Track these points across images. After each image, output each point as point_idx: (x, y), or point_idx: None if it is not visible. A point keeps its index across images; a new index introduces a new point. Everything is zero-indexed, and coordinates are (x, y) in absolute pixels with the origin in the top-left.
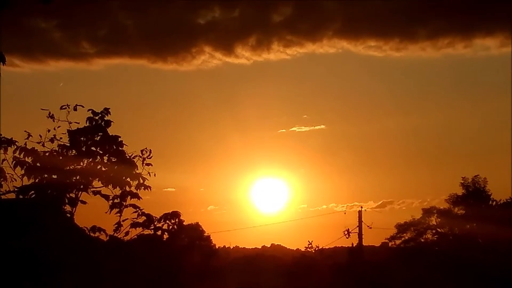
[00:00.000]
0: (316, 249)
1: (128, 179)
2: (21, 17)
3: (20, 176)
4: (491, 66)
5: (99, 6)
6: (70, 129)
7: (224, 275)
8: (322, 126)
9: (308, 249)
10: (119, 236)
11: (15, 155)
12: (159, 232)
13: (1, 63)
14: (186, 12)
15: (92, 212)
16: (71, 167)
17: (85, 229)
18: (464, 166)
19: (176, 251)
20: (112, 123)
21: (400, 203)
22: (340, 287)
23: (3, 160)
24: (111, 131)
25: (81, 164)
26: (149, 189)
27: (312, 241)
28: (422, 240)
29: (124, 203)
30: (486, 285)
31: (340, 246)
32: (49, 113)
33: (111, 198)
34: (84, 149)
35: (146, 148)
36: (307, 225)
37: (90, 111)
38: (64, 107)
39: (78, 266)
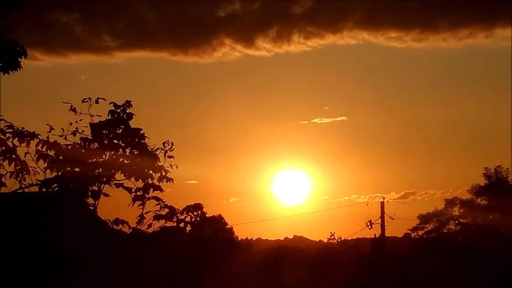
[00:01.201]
0: (339, 240)
1: (151, 172)
2: (42, 11)
3: (43, 169)
4: None
5: None
6: (92, 122)
7: (247, 267)
8: (344, 118)
9: (331, 240)
10: (142, 229)
11: (37, 148)
12: (181, 224)
13: (23, 56)
14: (207, 4)
15: (115, 205)
16: (93, 160)
17: (108, 221)
18: (486, 156)
19: (199, 243)
20: (134, 115)
21: (423, 194)
22: (363, 279)
23: (26, 153)
24: (133, 123)
25: (104, 157)
26: (171, 182)
27: (334, 233)
28: (445, 231)
29: (147, 195)
30: (509, 276)
31: (362, 237)
32: (71, 106)
33: (133, 190)
34: (106, 142)
35: (168, 141)
36: (329, 216)
37: (112, 104)
38: (86, 100)
39: (101, 259)
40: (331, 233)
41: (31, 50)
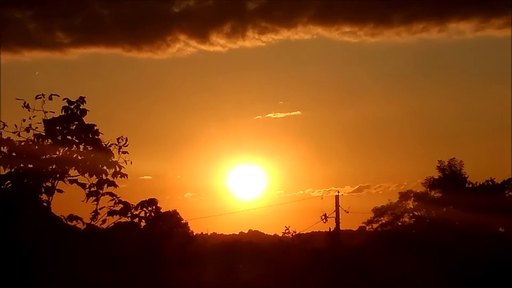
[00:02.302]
0: (294, 234)
1: (105, 167)
2: None
3: None
4: (466, 50)
5: None
6: (45, 118)
7: (202, 261)
8: (298, 112)
9: (286, 234)
10: (96, 224)
11: None
12: (136, 220)
13: None
14: (161, 0)
15: (69, 201)
16: (47, 156)
17: (62, 217)
18: (440, 149)
19: (154, 239)
20: (87, 111)
21: (377, 187)
22: (318, 272)
23: None
24: (86, 119)
25: (57, 153)
26: (125, 177)
27: (289, 227)
28: (399, 224)
29: (101, 191)
30: (463, 268)
31: (317, 231)
32: (24, 102)
33: (87, 186)
34: (60, 138)
35: (122, 136)
36: (284, 210)
37: (66, 100)
38: (39, 96)
39: (55, 255)
40: (285, 227)
41: None
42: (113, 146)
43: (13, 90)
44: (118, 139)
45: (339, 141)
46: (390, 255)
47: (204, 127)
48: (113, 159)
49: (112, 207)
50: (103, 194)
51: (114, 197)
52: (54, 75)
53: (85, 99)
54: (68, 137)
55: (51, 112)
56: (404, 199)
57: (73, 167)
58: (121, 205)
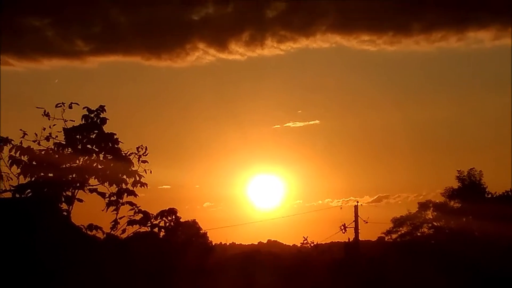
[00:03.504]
0: (312, 244)
1: (124, 177)
2: (14, 16)
3: (16, 175)
4: (485, 59)
5: (92, 3)
6: (65, 127)
7: (221, 271)
8: (317, 121)
9: (304, 245)
10: (116, 234)
11: (11, 153)
12: (156, 229)
13: None
14: (180, 8)
15: (89, 210)
16: (67, 165)
17: (82, 227)
18: (459, 159)
19: (173, 248)
20: (107, 120)
21: (396, 197)
22: (337, 282)
23: None
24: (106, 128)
25: (77, 162)
26: (145, 186)
27: (307, 237)
28: (418, 234)
29: (121, 200)
30: (482, 279)
31: (336, 241)
32: (45, 111)
33: (107, 195)
34: (80, 147)
35: (141, 145)
36: (303, 220)
37: (86, 109)
38: (59, 105)
39: (75, 265)
40: (304, 237)
41: (3, 55)
42: (132, 155)
43: (33, 99)
44: (137, 148)
45: (358, 150)
46: (409, 265)
47: (222, 136)
48: (133, 168)
49: (132, 217)
50: (123, 204)
51: (134, 207)
52: (73, 83)
53: (105, 107)
54: (88, 146)
55: (71, 120)
56: (423, 209)
57: (93, 176)
58: (141, 215)
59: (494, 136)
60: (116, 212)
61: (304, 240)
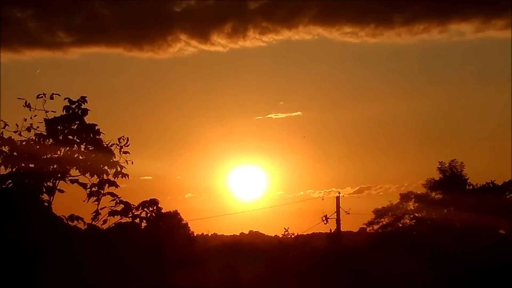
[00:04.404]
0: (293, 235)
1: (106, 167)
2: None
3: None
4: (467, 51)
5: None
6: (47, 118)
7: (203, 262)
8: (299, 113)
9: (285, 235)
10: (97, 225)
11: None
12: (137, 220)
13: None
14: (162, 0)
15: (70, 201)
16: (48, 156)
17: (63, 217)
18: (440, 150)
19: (155, 239)
20: (89, 111)
21: (378, 188)
22: (319, 273)
23: None
24: (88, 119)
25: (58, 153)
26: (126, 177)
27: (288, 228)
28: (400, 225)
29: (102, 191)
30: (463, 269)
31: (318, 232)
32: (26, 102)
33: (88, 186)
34: (61, 138)
35: (123, 136)
36: (285, 211)
37: (67, 99)
38: (40, 96)
39: (55, 255)
40: (285, 228)
41: None
42: (114, 146)
43: (14, 90)
44: (119, 139)
45: (339, 142)
46: (391, 256)
47: (204, 128)
48: (114, 159)
49: (113, 207)
50: (104, 194)
51: (115, 197)
52: (55, 74)
53: (86, 98)
54: (69, 136)
55: (52, 111)
56: (405, 201)
57: (74, 167)
58: (122, 206)
59: (475, 127)
60: (97, 202)
61: (285, 231)
